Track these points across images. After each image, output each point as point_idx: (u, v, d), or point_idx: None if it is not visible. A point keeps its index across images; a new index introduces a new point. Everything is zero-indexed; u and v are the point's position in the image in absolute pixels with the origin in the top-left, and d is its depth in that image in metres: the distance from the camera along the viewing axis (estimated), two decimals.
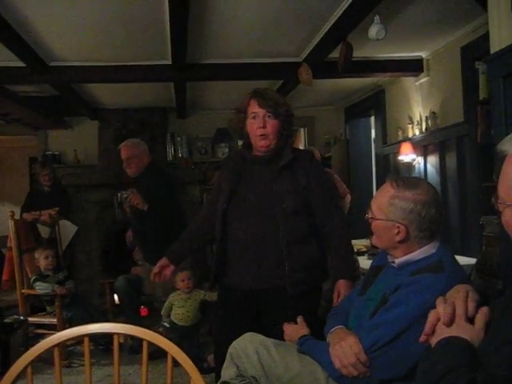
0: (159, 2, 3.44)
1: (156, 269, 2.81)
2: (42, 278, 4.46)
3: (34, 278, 4.46)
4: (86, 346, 1.37)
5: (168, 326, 4.17)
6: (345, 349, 1.77)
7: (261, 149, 2.57)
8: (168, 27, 3.80)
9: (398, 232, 1.83)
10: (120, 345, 3.85)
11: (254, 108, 2.54)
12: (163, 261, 2.82)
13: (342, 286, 2.51)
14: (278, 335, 2.19)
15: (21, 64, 4.50)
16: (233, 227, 2.61)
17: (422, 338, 1.39)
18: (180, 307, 4.15)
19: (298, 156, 2.62)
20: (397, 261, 1.88)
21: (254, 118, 2.55)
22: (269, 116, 2.52)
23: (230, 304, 2.70)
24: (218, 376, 2.15)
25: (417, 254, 1.84)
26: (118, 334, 1.37)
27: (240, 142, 6.99)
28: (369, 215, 1.94)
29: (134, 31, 4.03)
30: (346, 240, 2.62)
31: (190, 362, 1.33)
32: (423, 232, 1.83)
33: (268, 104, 2.52)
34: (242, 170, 2.65)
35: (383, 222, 1.87)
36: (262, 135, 2.52)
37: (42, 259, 4.52)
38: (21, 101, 5.77)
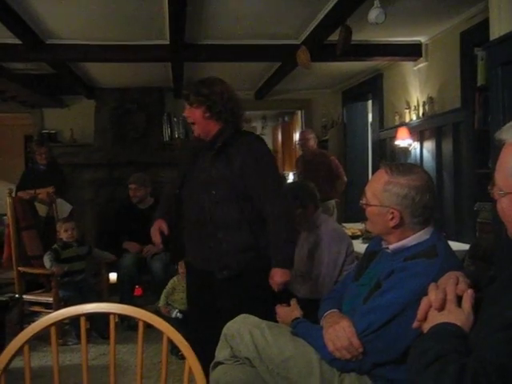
0: None
1: (155, 231, 2.84)
2: (63, 247, 4.47)
3: (53, 247, 4.46)
4: (83, 326, 1.39)
5: (181, 317, 3.99)
6: (338, 332, 1.79)
7: (199, 136, 2.71)
8: (166, 6, 3.77)
9: (392, 218, 1.84)
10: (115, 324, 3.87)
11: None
12: (157, 222, 2.87)
13: (274, 273, 2.58)
14: (218, 316, 2.46)
15: (17, 41, 4.47)
16: (184, 211, 2.77)
17: (415, 325, 1.41)
18: (181, 292, 4.04)
19: (236, 141, 2.64)
20: (391, 246, 1.90)
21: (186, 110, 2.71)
22: (188, 107, 2.66)
23: (188, 279, 2.94)
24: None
25: (410, 240, 1.86)
26: (114, 313, 1.38)
27: None
28: (363, 201, 1.95)
29: (132, 10, 4.00)
30: (283, 227, 2.58)
31: (186, 343, 1.34)
32: (417, 218, 1.84)
33: (185, 96, 2.66)
34: (196, 157, 2.77)
35: (377, 207, 1.87)
36: (191, 124, 2.70)
37: (63, 232, 4.53)
38: (16, 78, 5.73)
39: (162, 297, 4.16)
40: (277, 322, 2.21)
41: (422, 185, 1.83)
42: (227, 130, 2.64)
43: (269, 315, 2.20)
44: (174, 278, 4.19)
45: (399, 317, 1.72)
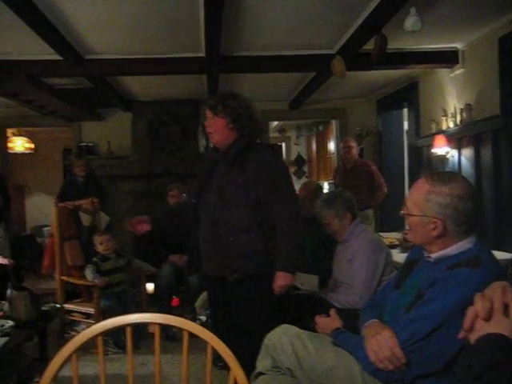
0: None
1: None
2: (102, 260, 4.54)
3: (93, 260, 4.54)
4: (129, 335, 1.41)
5: (205, 319, 4.08)
6: (380, 342, 1.78)
7: (216, 145, 2.86)
8: (202, 20, 3.84)
9: (435, 227, 1.82)
10: (152, 334, 3.90)
11: (206, 110, 2.86)
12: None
13: (277, 277, 2.68)
14: (237, 321, 2.64)
15: (58, 57, 4.59)
16: (200, 220, 2.88)
17: (461, 335, 1.38)
18: None
19: (251, 151, 2.77)
20: (433, 255, 1.87)
21: (205, 119, 2.86)
22: (212, 116, 2.80)
23: (207, 290, 3.11)
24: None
25: (453, 249, 1.83)
26: (158, 324, 1.40)
27: (272, 134, 6.94)
28: (404, 211, 1.93)
29: (169, 24, 4.07)
30: (289, 233, 2.70)
31: (230, 353, 1.35)
32: (460, 227, 1.81)
33: (211, 105, 2.81)
34: (214, 168, 2.88)
35: (419, 217, 1.85)
36: (209, 133, 2.83)
37: (99, 245, 4.61)
38: (56, 93, 5.87)
39: (199, 299, 4.21)
40: (294, 326, 2.20)
41: (464, 193, 1.80)
42: (242, 140, 2.78)
43: (279, 319, 2.31)
44: None
45: (443, 327, 1.69)
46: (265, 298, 2.73)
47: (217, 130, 2.80)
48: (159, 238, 5.25)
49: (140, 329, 3.80)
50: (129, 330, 1.41)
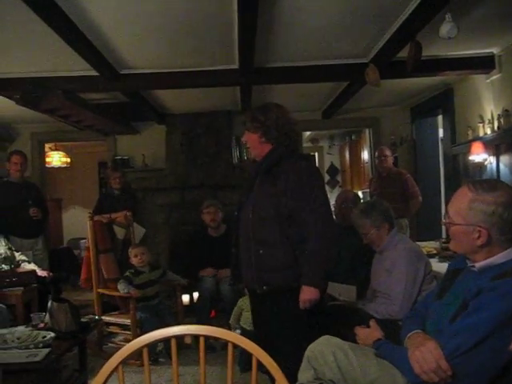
0: (227, 8, 3.49)
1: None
2: (135, 274, 4.59)
3: (126, 274, 4.60)
4: (174, 347, 1.42)
5: (239, 332, 4.08)
6: (425, 354, 1.75)
7: (255, 158, 2.91)
8: (236, 33, 3.86)
9: (479, 236, 1.78)
10: (189, 345, 3.92)
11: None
12: None
13: (302, 291, 2.65)
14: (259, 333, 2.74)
15: (94, 73, 4.68)
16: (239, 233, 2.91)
17: None
18: (248, 311, 4.01)
19: (284, 162, 2.76)
20: (477, 265, 1.84)
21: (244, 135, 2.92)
22: (246, 132, 2.87)
23: (250, 301, 3.11)
24: None
25: (498, 258, 1.80)
26: (204, 335, 1.40)
27: (305, 144, 6.92)
28: (447, 220, 1.90)
29: (202, 38, 4.11)
30: (319, 248, 2.65)
31: (275, 365, 1.35)
32: (505, 235, 1.78)
33: (243, 121, 2.91)
34: (255, 181, 2.90)
35: (462, 226, 1.82)
36: (248, 148, 2.92)
37: (133, 257, 4.66)
38: (92, 108, 5.98)
39: (232, 317, 4.22)
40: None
41: (508, 201, 1.77)
42: (275, 152, 2.79)
43: (308, 332, 2.35)
44: (242, 299, 4.22)
45: (490, 338, 1.66)
46: (293, 311, 2.69)
47: (251, 144, 2.86)
48: (195, 251, 5.30)
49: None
50: (174, 341, 1.42)
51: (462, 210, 1.83)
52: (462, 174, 5.92)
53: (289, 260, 2.70)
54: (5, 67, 4.64)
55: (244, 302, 4.16)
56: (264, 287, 2.72)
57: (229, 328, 4.13)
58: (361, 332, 2.24)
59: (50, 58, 4.42)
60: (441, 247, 4.60)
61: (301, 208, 2.67)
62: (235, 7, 3.38)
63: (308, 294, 2.63)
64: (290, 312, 2.70)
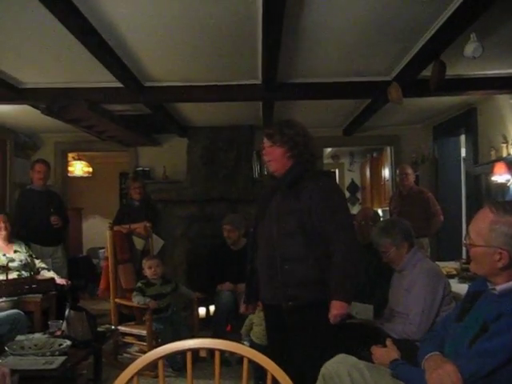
0: (252, 23, 3.51)
1: (243, 310, 3.16)
2: (147, 285, 4.61)
3: (138, 285, 4.62)
4: (189, 360, 1.42)
5: (248, 344, 4.06)
6: (443, 377, 1.72)
7: (274, 173, 2.87)
8: (260, 48, 3.89)
9: (500, 258, 1.76)
10: (204, 358, 3.92)
11: (263, 140, 2.89)
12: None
13: (333, 306, 2.64)
14: (293, 349, 2.65)
15: (119, 85, 4.73)
16: (258, 248, 2.92)
17: None
18: (258, 325, 4.03)
19: (306, 178, 2.77)
20: (498, 287, 1.81)
21: (263, 148, 2.89)
22: (270, 145, 2.83)
23: (265, 318, 3.10)
24: None
25: None
26: (219, 350, 1.40)
27: (325, 160, 6.90)
28: (467, 241, 1.88)
29: (227, 52, 4.14)
30: (344, 263, 2.66)
31: (289, 380, 1.34)
32: None
33: (268, 134, 2.85)
34: (272, 196, 2.90)
35: (483, 248, 1.81)
36: (268, 161, 2.86)
37: (147, 269, 4.68)
38: (116, 119, 6.05)
39: (243, 328, 4.21)
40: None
41: None
42: (298, 167, 2.79)
43: (341, 345, 2.33)
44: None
45: (509, 363, 1.63)
46: (319, 327, 2.70)
47: (275, 158, 2.82)
48: (213, 264, 5.30)
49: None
50: (189, 354, 1.42)
51: (483, 231, 1.81)
52: (484, 194, 5.85)
53: (315, 275, 2.71)
54: (31, 77, 4.73)
55: (254, 316, 4.14)
56: (290, 303, 2.71)
57: (239, 342, 4.11)
58: (377, 352, 2.22)
59: (76, 68, 4.49)
60: (461, 268, 4.54)
61: (326, 223, 2.69)
62: (260, 22, 3.41)
63: (338, 309, 2.63)
64: (317, 327, 2.70)
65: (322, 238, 2.70)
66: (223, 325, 4.82)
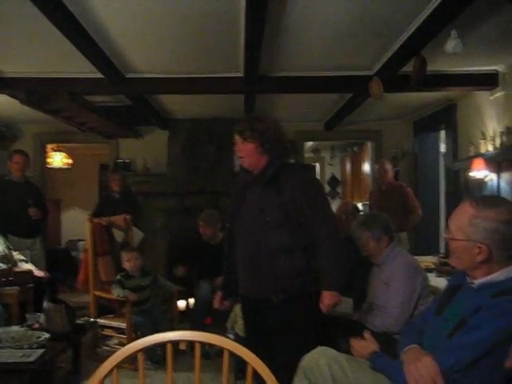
0: (235, 16, 3.51)
1: (216, 305, 3.12)
2: (126, 278, 4.59)
3: (117, 278, 4.59)
4: (169, 352, 1.41)
5: (233, 337, 4.09)
6: (421, 369, 1.74)
7: (248, 168, 2.85)
8: (242, 41, 3.88)
9: (480, 252, 1.78)
10: (183, 351, 3.90)
11: (234, 137, 2.86)
12: (219, 295, 3.12)
13: (324, 296, 2.68)
14: (277, 342, 2.68)
15: (99, 75, 4.69)
16: (236, 244, 2.91)
17: (508, 363, 1.35)
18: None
19: (285, 171, 2.79)
20: (476, 282, 1.84)
21: (235, 144, 2.86)
22: (241, 141, 2.80)
23: (244, 312, 3.11)
24: None
25: (499, 275, 1.79)
26: (200, 342, 1.40)
27: (306, 154, 6.89)
28: (447, 235, 1.90)
29: (208, 45, 4.13)
30: (331, 251, 2.71)
31: (270, 373, 1.34)
32: (506, 252, 1.78)
33: (238, 130, 2.82)
34: (246, 190, 2.90)
35: (463, 242, 1.82)
36: (240, 157, 2.83)
37: (125, 262, 4.65)
38: (97, 110, 5.99)
39: (228, 321, 4.21)
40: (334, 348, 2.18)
41: (510, 218, 1.77)
42: (276, 162, 2.79)
43: (321, 338, 2.36)
44: (238, 305, 4.21)
45: (487, 356, 1.65)
46: (309, 317, 2.73)
47: (247, 154, 2.80)
48: (192, 259, 5.29)
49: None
50: (169, 346, 1.42)
51: (463, 225, 1.83)
52: (462, 189, 5.92)
53: (302, 265, 2.72)
54: (10, 66, 4.66)
55: (237, 309, 4.15)
56: (280, 295, 2.71)
57: (224, 334, 4.12)
58: (356, 344, 2.23)
59: (56, 58, 4.44)
60: (439, 262, 4.60)
61: (309, 215, 2.72)
62: (242, 15, 3.40)
63: (329, 299, 2.67)
64: (306, 318, 2.73)
65: (305, 230, 2.73)
66: (202, 317, 4.81)
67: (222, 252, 3.14)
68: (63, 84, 4.91)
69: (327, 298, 2.67)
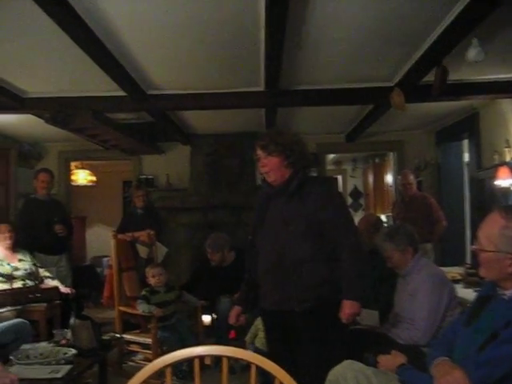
0: (255, 31, 3.54)
1: (232, 320, 3.09)
2: (151, 293, 4.60)
3: (142, 293, 4.61)
4: (197, 367, 1.41)
5: (252, 351, 4.06)
6: (451, 383, 1.71)
7: (273, 183, 2.84)
8: (262, 55, 3.90)
9: (511, 263, 1.75)
10: (208, 366, 3.88)
11: (256, 151, 2.85)
12: (235, 310, 3.10)
13: (345, 305, 2.66)
14: (302, 354, 2.66)
15: (122, 93, 4.75)
16: (259, 256, 2.90)
17: None
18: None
19: (309, 183, 2.82)
20: (508, 293, 1.80)
21: (257, 159, 2.85)
22: (266, 156, 2.79)
23: (266, 325, 3.08)
24: None
25: None
26: (227, 356, 1.40)
27: (328, 167, 6.87)
28: (477, 246, 1.87)
29: (229, 60, 4.16)
30: (353, 263, 2.71)
31: None
32: None
33: (262, 145, 2.81)
34: (269, 203, 2.91)
35: (494, 253, 1.80)
36: (266, 172, 2.82)
37: (151, 277, 4.68)
38: (119, 128, 6.06)
39: (248, 335, 4.19)
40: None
41: None
42: (300, 174, 2.81)
43: (345, 348, 2.35)
44: (258, 319, 4.19)
45: None
46: (333, 328, 2.72)
47: (273, 168, 2.80)
48: (214, 274, 5.28)
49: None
50: (196, 361, 1.42)
51: (493, 236, 1.80)
52: (487, 198, 5.84)
53: (326, 275, 2.73)
54: (35, 87, 4.75)
55: (259, 322, 4.13)
56: (304, 305, 2.71)
57: (244, 348, 4.10)
58: (383, 359, 2.20)
59: (80, 78, 4.51)
60: (466, 273, 4.52)
61: (331, 226, 2.74)
62: (263, 29, 3.42)
63: (350, 308, 2.65)
64: (327, 329, 2.71)
65: (328, 241, 2.74)
66: (225, 332, 4.79)
67: (234, 271, 3.13)
68: (86, 102, 4.99)
69: (347, 307, 2.66)
